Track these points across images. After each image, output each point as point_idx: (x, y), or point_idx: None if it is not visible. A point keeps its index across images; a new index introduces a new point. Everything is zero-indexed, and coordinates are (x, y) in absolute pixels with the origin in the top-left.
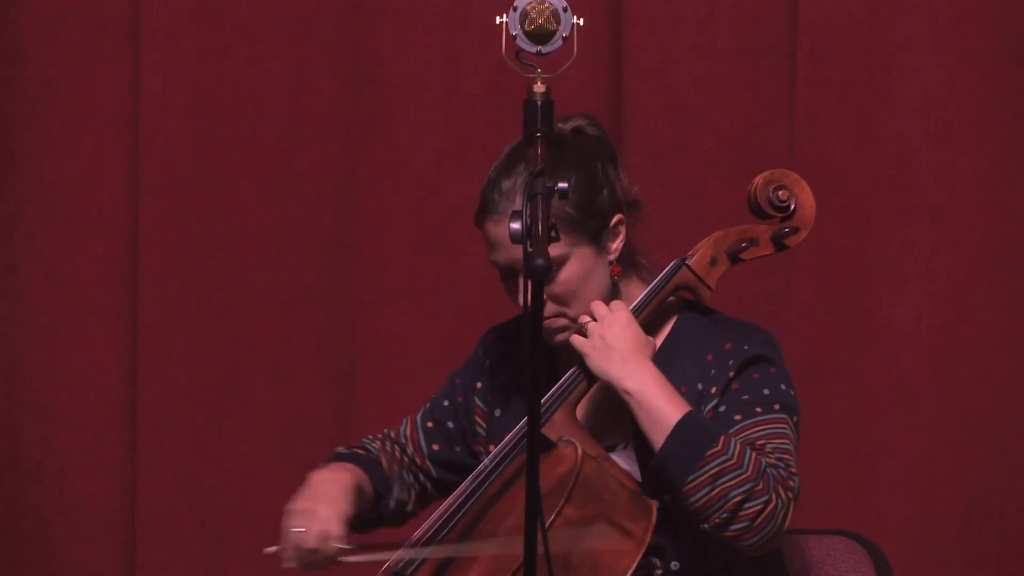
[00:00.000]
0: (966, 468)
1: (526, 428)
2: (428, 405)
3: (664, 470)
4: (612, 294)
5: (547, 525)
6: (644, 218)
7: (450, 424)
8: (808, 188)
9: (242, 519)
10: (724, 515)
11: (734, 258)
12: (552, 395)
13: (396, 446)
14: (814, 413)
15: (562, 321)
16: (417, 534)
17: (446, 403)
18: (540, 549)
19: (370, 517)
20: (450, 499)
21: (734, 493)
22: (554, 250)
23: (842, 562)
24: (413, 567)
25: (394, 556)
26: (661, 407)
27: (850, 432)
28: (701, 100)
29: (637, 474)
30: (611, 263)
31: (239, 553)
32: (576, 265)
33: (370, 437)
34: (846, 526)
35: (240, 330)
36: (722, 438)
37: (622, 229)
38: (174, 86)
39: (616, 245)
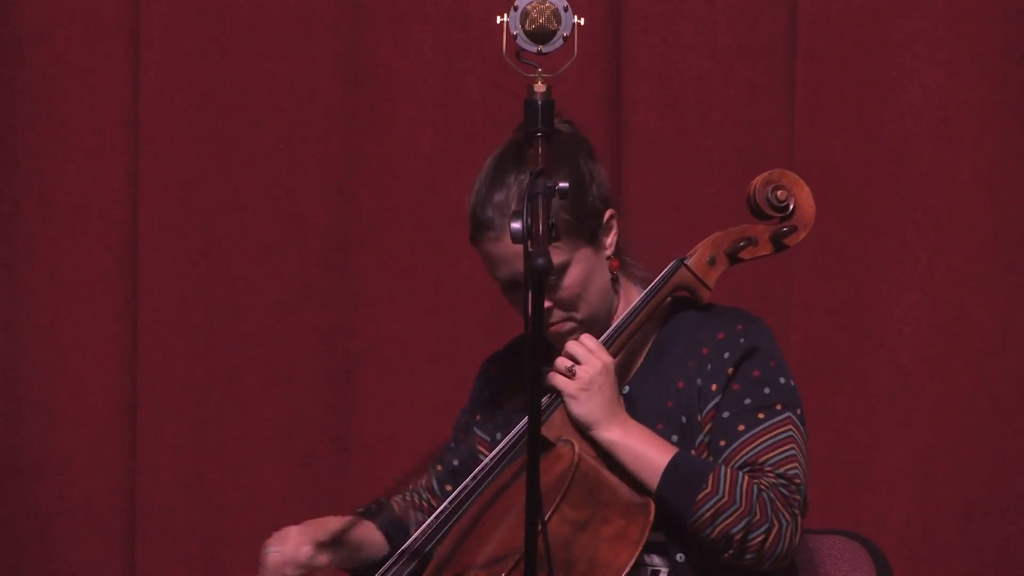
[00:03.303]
0: (966, 468)
1: (524, 429)
2: (439, 452)
3: (665, 511)
4: (613, 288)
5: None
6: (627, 213)
7: (456, 462)
8: (807, 188)
9: (242, 518)
10: (732, 551)
11: (733, 258)
12: (551, 395)
13: (415, 495)
14: (814, 413)
15: (570, 325)
16: (415, 532)
17: (452, 444)
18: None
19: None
20: (450, 498)
21: (734, 530)
22: (556, 257)
23: (842, 562)
24: (433, 543)
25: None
26: (647, 453)
27: (850, 432)
28: (700, 99)
29: None
30: (609, 258)
31: (239, 553)
32: (579, 269)
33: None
34: (846, 526)
35: (239, 329)
36: (711, 476)
37: (615, 223)
38: (174, 86)
39: (611, 240)
